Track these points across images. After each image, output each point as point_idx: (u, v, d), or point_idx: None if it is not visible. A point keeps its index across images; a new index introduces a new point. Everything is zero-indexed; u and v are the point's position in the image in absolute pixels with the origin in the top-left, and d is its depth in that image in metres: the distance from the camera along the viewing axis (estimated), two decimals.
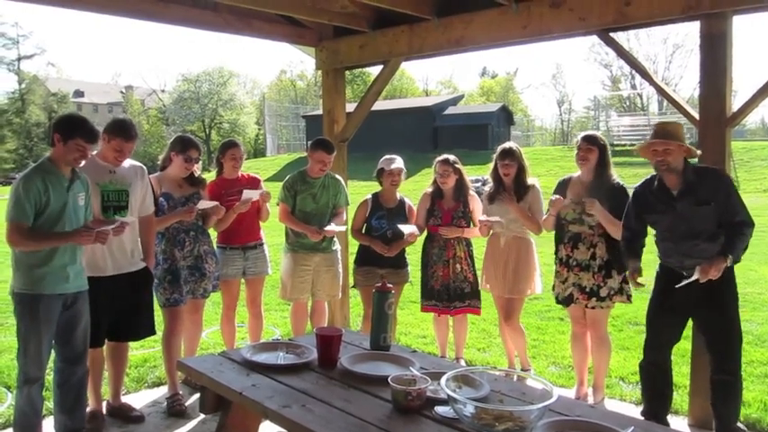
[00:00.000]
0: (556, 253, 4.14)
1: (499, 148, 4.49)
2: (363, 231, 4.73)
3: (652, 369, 3.61)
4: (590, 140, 3.98)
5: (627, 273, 3.55)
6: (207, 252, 4.22)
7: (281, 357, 2.85)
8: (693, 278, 3.16)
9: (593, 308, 3.97)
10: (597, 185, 3.91)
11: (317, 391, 2.44)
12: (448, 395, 2.06)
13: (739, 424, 3.55)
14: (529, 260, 4.42)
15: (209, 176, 4.69)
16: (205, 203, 4.09)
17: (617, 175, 4.02)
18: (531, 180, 4.45)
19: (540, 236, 4.40)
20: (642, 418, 3.63)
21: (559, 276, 4.09)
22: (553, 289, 4.18)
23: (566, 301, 4.08)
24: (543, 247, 4.61)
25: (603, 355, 4.14)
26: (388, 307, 2.94)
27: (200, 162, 4.25)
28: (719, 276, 3.19)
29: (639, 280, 3.51)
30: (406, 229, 4.52)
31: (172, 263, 4.06)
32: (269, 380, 2.58)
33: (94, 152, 3.72)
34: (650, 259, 3.58)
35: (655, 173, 3.45)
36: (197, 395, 3.58)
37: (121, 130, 3.57)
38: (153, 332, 3.97)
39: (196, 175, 4.23)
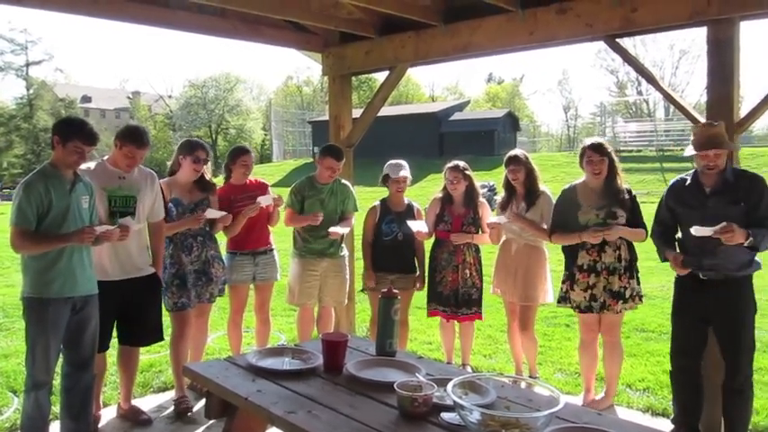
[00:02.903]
0: (574, 261, 4.01)
1: (505, 157, 4.48)
2: (374, 236, 4.73)
3: (679, 375, 3.58)
4: (600, 152, 3.92)
5: (669, 260, 3.47)
6: (214, 257, 4.24)
7: (286, 363, 2.84)
8: (708, 232, 3.13)
9: (618, 311, 3.94)
10: (613, 193, 3.90)
11: (322, 397, 2.44)
12: (454, 401, 2.05)
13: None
14: (539, 268, 4.39)
15: (218, 181, 4.68)
16: (213, 212, 4.10)
17: (623, 180, 4.01)
18: (542, 187, 4.43)
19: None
20: (673, 425, 3.61)
21: (580, 284, 3.98)
22: (567, 299, 4.06)
23: (589, 308, 3.96)
24: (549, 254, 4.58)
25: (616, 361, 4.11)
26: (394, 313, 2.94)
27: (209, 165, 4.25)
28: (737, 284, 3.28)
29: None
30: (415, 225, 4.53)
31: (179, 267, 4.07)
32: (275, 385, 2.57)
33: (105, 157, 3.74)
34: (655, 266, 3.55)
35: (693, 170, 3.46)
36: (203, 401, 3.58)
37: (133, 137, 3.59)
38: (161, 338, 4.00)
39: (206, 178, 4.23)
